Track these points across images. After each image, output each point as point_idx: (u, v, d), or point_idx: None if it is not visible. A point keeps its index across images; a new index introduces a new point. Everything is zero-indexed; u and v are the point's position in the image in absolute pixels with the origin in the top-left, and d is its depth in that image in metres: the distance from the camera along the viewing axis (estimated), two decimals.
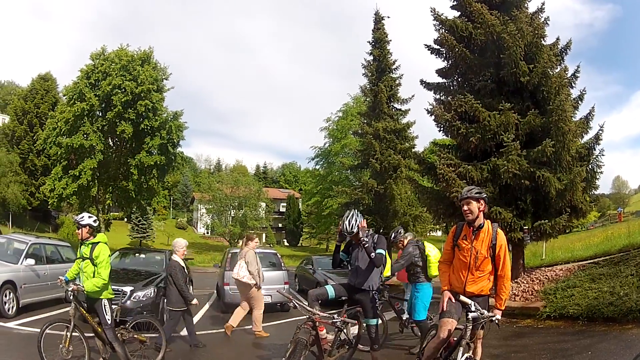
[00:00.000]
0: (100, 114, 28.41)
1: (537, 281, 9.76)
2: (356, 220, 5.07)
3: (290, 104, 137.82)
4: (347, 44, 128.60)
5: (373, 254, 4.99)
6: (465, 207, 4.10)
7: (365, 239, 5.02)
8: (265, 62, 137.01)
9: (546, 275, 10.10)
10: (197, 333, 7.25)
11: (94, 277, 5.18)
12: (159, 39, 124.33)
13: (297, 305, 4.91)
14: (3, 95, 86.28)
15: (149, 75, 28.11)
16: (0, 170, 36.00)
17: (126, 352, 5.40)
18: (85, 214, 5.42)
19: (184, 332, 7.41)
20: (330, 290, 5.24)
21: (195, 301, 7.04)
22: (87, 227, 5.30)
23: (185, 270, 7.19)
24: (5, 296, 7.97)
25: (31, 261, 8.84)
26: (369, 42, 22.93)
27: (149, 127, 28.18)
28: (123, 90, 27.15)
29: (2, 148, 39.33)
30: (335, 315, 4.79)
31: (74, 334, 5.02)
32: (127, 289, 8.00)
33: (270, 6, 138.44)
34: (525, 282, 9.94)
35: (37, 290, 9.00)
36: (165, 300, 7.58)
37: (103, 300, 5.26)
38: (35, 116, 40.22)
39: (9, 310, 7.98)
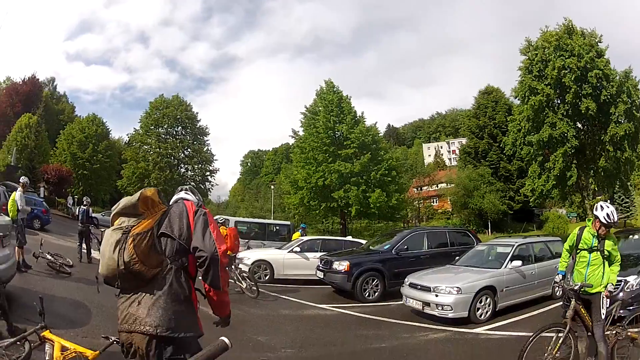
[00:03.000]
0: (559, 100, 30.22)
1: None
2: None
3: None
4: None
5: None
6: None
7: None
8: None
9: None
10: None
11: (607, 266, 4.94)
12: None
13: None
14: (448, 123, 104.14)
15: (581, 44, 27.88)
16: (472, 185, 42.31)
17: (609, 351, 4.85)
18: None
19: None
20: None
21: None
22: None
23: None
24: (480, 302, 8.20)
25: (517, 263, 8.96)
26: None
27: (609, 96, 27.58)
28: (569, 69, 28.06)
29: (469, 165, 46.75)
30: None
31: (567, 336, 4.67)
32: (631, 278, 7.37)
33: None
34: None
35: (519, 292, 9.04)
36: None
37: (602, 292, 4.90)
38: (494, 127, 46.74)
39: (481, 315, 8.20)
